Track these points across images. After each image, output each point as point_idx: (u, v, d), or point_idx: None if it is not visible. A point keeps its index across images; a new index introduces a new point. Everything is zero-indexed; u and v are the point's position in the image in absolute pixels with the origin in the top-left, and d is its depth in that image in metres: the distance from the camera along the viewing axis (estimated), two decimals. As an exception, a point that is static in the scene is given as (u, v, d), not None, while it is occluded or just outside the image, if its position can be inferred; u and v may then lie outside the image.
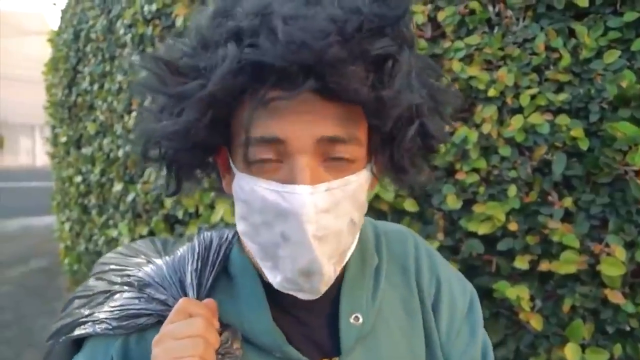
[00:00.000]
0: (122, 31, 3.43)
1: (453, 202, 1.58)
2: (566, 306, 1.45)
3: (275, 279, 0.67)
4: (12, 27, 22.42)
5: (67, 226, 5.25)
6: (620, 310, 1.39)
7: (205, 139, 0.65)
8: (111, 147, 3.70)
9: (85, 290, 0.80)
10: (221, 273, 0.76)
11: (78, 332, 0.74)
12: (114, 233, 3.68)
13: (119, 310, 0.73)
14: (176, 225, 2.88)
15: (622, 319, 1.39)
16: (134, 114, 3.29)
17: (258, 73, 0.59)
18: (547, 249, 1.49)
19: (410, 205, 1.65)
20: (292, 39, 0.56)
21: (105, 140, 3.82)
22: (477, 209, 1.54)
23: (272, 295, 0.72)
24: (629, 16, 1.40)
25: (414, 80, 0.63)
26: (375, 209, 1.66)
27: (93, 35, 4.05)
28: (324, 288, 0.67)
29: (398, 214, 1.67)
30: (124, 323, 0.72)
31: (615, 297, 1.38)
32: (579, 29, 1.47)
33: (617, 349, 1.39)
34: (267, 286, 0.72)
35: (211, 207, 2.50)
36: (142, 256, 0.83)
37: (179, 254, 0.79)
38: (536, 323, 1.47)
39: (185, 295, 0.73)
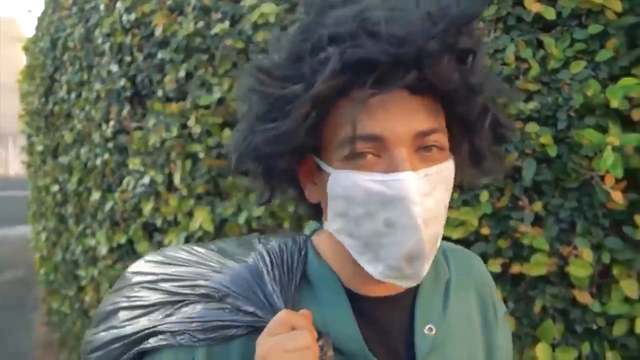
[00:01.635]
0: (100, 40, 3.42)
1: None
2: (537, 307, 1.50)
3: (376, 270, 0.70)
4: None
5: (43, 236, 5.20)
6: (588, 310, 1.45)
7: (304, 142, 0.69)
8: (89, 155, 3.68)
9: (133, 301, 0.80)
10: (301, 280, 0.79)
11: (156, 343, 0.74)
12: (91, 242, 3.66)
13: (199, 321, 0.74)
14: (155, 234, 2.88)
15: (590, 318, 1.45)
16: (111, 122, 3.29)
17: (361, 70, 0.63)
18: (518, 252, 1.54)
19: (386, 211, 1.68)
20: (394, 35, 0.62)
21: (82, 149, 3.80)
22: (451, 214, 1.59)
23: (353, 302, 0.76)
24: (593, 29, 1.46)
25: (488, 75, 0.71)
26: (352, 215, 1.69)
27: (70, 44, 4.03)
28: (424, 273, 0.70)
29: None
30: (213, 335, 0.73)
31: (584, 297, 1.44)
32: (547, 41, 1.53)
33: (586, 347, 1.44)
34: (347, 293, 0.77)
35: (190, 215, 2.51)
36: (200, 266, 0.82)
37: (250, 262, 0.80)
38: (509, 324, 1.52)
39: (271, 305, 0.74)
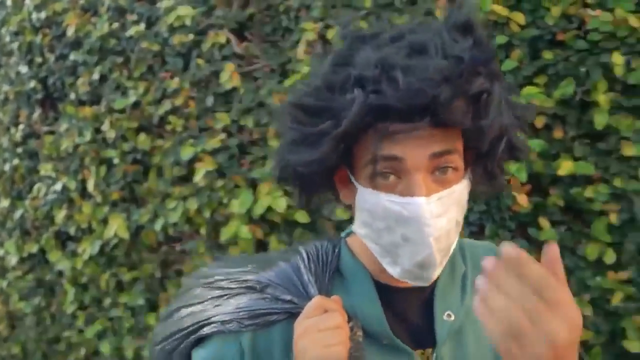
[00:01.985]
0: (7, 38, 3.28)
1: (342, 213, 1.64)
2: (449, 309, 1.54)
3: (394, 271, 0.81)
4: None
5: (-53, 246, 4.90)
6: (496, 310, 1.50)
7: (334, 164, 0.80)
8: (-4, 161, 3.52)
9: (193, 299, 0.93)
10: (334, 274, 0.90)
11: (209, 330, 0.87)
12: (0, 252, 3.50)
13: (246, 310, 0.86)
14: (68, 242, 2.80)
15: (499, 318, 1.50)
16: (21, 126, 3.17)
17: (382, 113, 0.73)
18: (432, 255, 1.58)
19: (301, 217, 1.69)
20: (410, 87, 0.71)
21: (-11, 154, 3.63)
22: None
23: (380, 293, 0.87)
24: (500, 39, 1.52)
25: (503, 106, 0.78)
26: (268, 221, 1.68)
27: (-25, 43, 3.83)
28: (435, 276, 0.81)
29: (290, 225, 1.71)
30: (257, 321, 0.85)
31: (492, 298, 1.49)
32: (456, 50, 1.59)
33: (494, 347, 1.50)
34: (375, 284, 0.88)
35: (104, 222, 2.45)
36: (250, 265, 0.94)
37: (291, 261, 0.92)
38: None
39: (307, 293, 0.86)
